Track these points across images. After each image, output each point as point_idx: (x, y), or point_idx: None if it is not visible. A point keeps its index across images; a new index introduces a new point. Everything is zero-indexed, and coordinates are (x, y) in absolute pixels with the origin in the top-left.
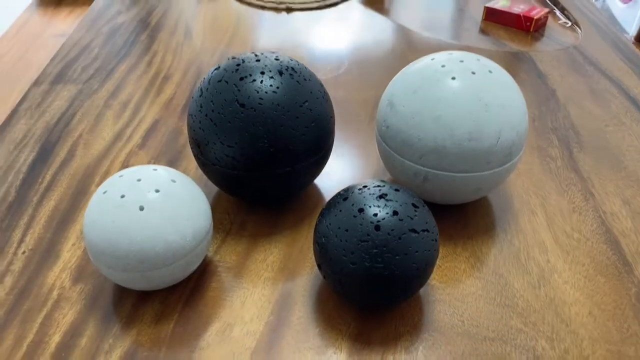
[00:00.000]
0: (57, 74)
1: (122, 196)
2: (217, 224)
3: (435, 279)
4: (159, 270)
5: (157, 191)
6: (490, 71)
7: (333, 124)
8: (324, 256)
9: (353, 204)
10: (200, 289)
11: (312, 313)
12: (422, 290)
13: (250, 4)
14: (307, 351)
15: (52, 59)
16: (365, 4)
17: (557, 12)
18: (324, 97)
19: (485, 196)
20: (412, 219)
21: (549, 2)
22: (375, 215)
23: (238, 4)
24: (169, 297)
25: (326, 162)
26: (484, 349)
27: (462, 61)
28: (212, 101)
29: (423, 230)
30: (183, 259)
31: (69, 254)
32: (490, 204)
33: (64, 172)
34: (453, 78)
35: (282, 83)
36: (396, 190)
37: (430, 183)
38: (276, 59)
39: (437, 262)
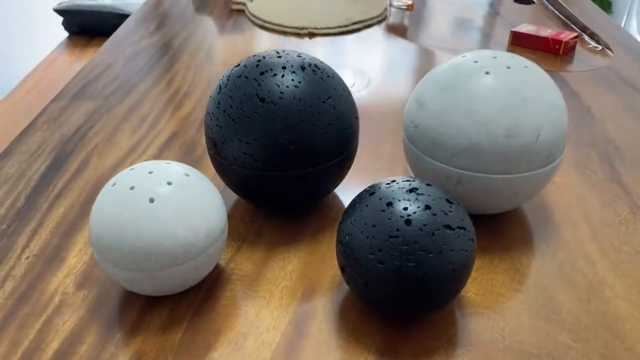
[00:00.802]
0: (77, 91)
1: (132, 188)
2: (233, 232)
3: (470, 292)
4: (167, 271)
5: (169, 184)
6: (526, 66)
7: (357, 125)
8: (348, 256)
9: (380, 198)
10: (212, 297)
11: (334, 324)
12: (455, 303)
13: (272, 30)
14: None
15: (73, 78)
16: (388, 30)
17: (586, 37)
18: (348, 97)
19: (520, 206)
20: (446, 214)
21: (576, 27)
22: (406, 209)
23: (260, 30)
24: (177, 305)
25: (349, 167)
26: None
27: (495, 57)
28: (230, 97)
29: (459, 228)
30: (194, 260)
31: (74, 260)
32: (525, 215)
33: (76, 181)
34: (487, 73)
35: (304, 78)
36: (427, 185)
37: (464, 187)
38: (298, 56)
39: (472, 273)
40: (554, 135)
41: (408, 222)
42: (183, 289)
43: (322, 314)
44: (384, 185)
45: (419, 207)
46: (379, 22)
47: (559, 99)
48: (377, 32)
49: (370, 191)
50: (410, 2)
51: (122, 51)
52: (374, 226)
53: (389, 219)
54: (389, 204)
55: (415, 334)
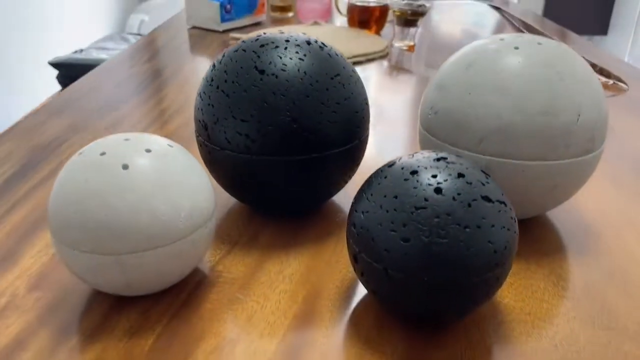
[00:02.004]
0: (57, 107)
1: (102, 154)
2: (223, 235)
3: (507, 297)
4: (141, 255)
5: (147, 151)
6: (558, 44)
7: (368, 112)
8: (364, 239)
9: (403, 168)
10: (195, 300)
11: (345, 331)
12: (489, 309)
13: None
14: None
15: (55, 96)
16: (390, 68)
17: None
18: (358, 80)
19: (552, 213)
20: (483, 185)
21: None
22: (435, 176)
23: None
24: (151, 309)
25: (358, 162)
26: None
27: (522, 37)
28: (225, 71)
29: (499, 202)
30: (174, 245)
31: (30, 261)
32: (559, 221)
33: (43, 187)
34: (516, 48)
35: (309, 52)
36: (458, 156)
37: (494, 178)
38: (303, 34)
39: (508, 278)
40: (595, 117)
41: (438, 190)
42: (159, 287)
43: (328, 320)
44: (405, 157)
45: (450, 174)
46: (381, 58)
47: (596, 80)
48: (379, 66)
49: (389, 164)
50: (411, 44)
51: (111, 76)
52: (395, 197)
53: (415, 187)
54: (414, 172)
55: (445, 342)
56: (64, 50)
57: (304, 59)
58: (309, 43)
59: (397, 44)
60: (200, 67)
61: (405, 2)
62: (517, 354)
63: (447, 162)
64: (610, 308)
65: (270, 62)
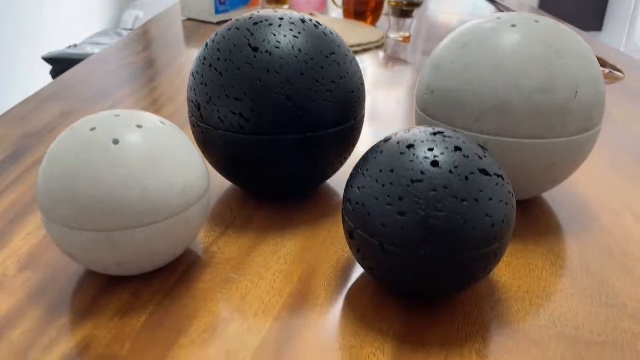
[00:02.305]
0: (49, 95)
1: (92, 129)
2: (216, 218)
3: (504, 276)
4: (132, 232)
5: (138, 126)
6: (555, 22)
7: (364, 92)
8: (359, 214)
9: (399, 142)
10: (188, 280)
11: (341, 310)
12: (486, 288)
13: None
14: (335, 352)
15: (48, 85)
16: (386, 58)
17: None
18: (353, 60)
19: (549, 194)
20: (480, 158)
21: None
22: (431, 149)
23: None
24: (143, 289)
25: (353, 144)
26: (592, 355)
27: (519, 15)
28: (218, 49)
29: (497, 175)
30: (166, 221)
31: (20, 242)
32: (556, 203)
33: (34, 171)
34: (513, 25)
35: (304, 29)
36: (454, 131)
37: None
38: (297, 13)
39: (504, 257)
40: (593, 94)
41: (435, 163)
42: (150, 266)
43: (323, 299)
44: (401, 132)
45: (446, 147)
46: (377, 48)
47: (593, 58)
48: (374, 56)
49: (385, 139)
50: (406, 35)
51: (104, 66)
52: (391, 171)
53: (411, 161)
54: (410, 146)
55: (442, 319)
56: (58, 46)
57: (298, 37)
58: (303, 21)
59: (393, 35)
60: (194, 57)
61: None
62: (515, 330)
63: (444, 136)
64: (608, 285)
65: (264, 40)
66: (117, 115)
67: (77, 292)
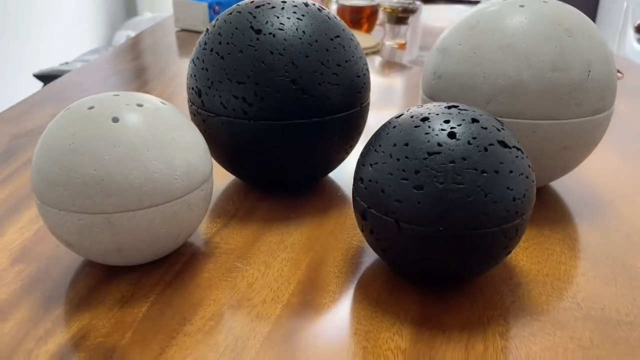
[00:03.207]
0: (41, 99)
1: (91, 107)
2: (219, 210)
3: (522, 261)
4: (132, 215)
5: (139, 105)
6: (563, 3)
7: (369, 78)
8: (373, 192)
9: (412, 116)
10: (191, 270)
11: (354, 296)
12: (504, 272)
13: None
14: (350, 337)
15: (39, 90)
16: (382, 64)
17: None
18: (358, 45)
19: (563, 180)
20: (499, 130)
21: None
22: (447, 122)
23: None
24: (144, 279)
25: (360, 130)
26: (621, 336)
27: None
28: (219, 33)
29: (516, 148)
30: (168, 205)
31: (13, 236)
32: (569, 190)
33: (25, 170)
34: (521, 6)
35: (308, 13)
36: (470, 105)
37: None
38: None
39: (521, 243)
40: (606, 75)
41: (452, 135)
42: (152, 254)
43: (335, 285)
44: (413, 108)
45: (463, 119)
46: (373, 54)
47: (603, 38)
48: (370, 62)
49: (397, 115)
50: (402, 42)
51: (96, 73)
52: (406, 145)
53: (427, 133)
54: (425, 119)
55: (459, 302)
56: (51, 64)
57: (302, 19)
58: (306, 5)
59: (388, 42)
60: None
61: (395, 1)
62: (539, 312)
63: (460, 110)
64: (631, 268)
65: (267, 22)
66: (116, 95)
67: (73, 284)
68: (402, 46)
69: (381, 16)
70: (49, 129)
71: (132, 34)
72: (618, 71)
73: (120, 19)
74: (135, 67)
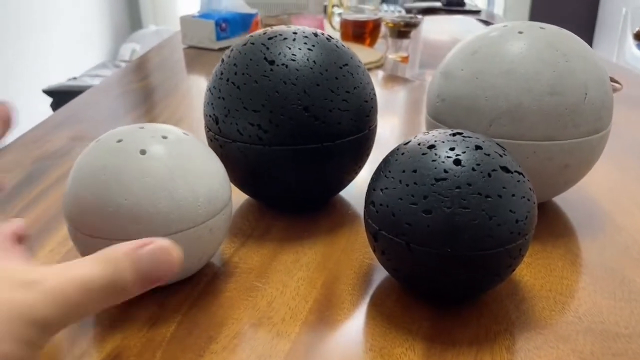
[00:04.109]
0: (59, 122)
1: (119, 140)
2: (235, 230)
3: (526, 276)
4: None
5: (164, 137)
6: (559, 28)
7: (376, 102)
8: (384, 216)
9: (420, 144)
10: (213, 290)
11: (368, 312)
12: (509, 288)
13: None
14: (365, 353)
15: (55, 113)
16: (385, 78)
17: None
18: (365, 71)
19: (562, 197)
20: (501, 156)
21: None
22: (453, 149)
23: None
24: (169, 300)
25: (367, 153)
26: (620, 348)
27: (524, 23)
28: (235, 64)
29: (517, 172)
30: (193, 230)
31: (44, 259)
32: (569, 205)
33: (51, 192)
34: (520, 32)
35: (317, 43)
36: (472, 132)
37: None
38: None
39: (525, 258)
40: (602, 96)
41: (457, 162)
42: (177, 277)
43: (349, 302)
44: (420, 135)
45: (467, 147)
46: (376, 68)
47: (600, 61)
48: (374, 76)
49: (405, 142)
50: (405, 55)
51: (108, 94)
52: (414, 171)
53: (433, 160)
54: (431, 147)
55: (468, 318)
56: (56, 79)
57: (313, 49)
58: (316, 35)
59: (391, 56)
60: (198, 82)
61: (397, 15)
62: (543, 326)
63: (464, 137)
64: (629, 282)
65: (280, 53)
66: (141, 128)
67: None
68: (405, 59)
69: (383, 30)
70: (81, 161)
71: (137, 47)
72: (616, 82)
73: (125, 32)
74: (145, 87)
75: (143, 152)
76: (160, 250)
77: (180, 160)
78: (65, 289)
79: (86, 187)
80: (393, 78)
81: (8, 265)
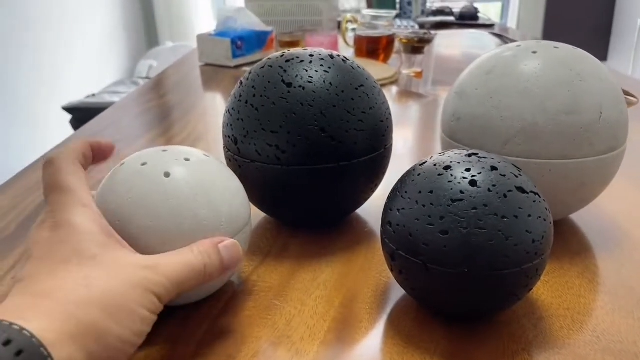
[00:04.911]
0: None
1: (144, 164)
2: (254, 247)
3: (543, 295)
4: None
5: (186, 160)
6: (574, 48)
7: (391, 121)
8: (401, 236)
9: (436, 165)
10: (232, 308)
11: (385, 332)
12: (527, 307)
13: None
14: None
15: (77, 132)
16: (399, 93)
17: None
18: (380, 91)
19: (578, 214)
20: (516, 177)
21: None
22: (468, 170)
23: None
24: (190, 318)
25: (384, 171)
26: None
27: (538, 42)
28: (253, 87)
29: (533, 193)
30: None
31: None
32: (585, 222)
33: None
34: (534, 52)
35: (333, 65)
36: (488, 152)
37: None
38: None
39: (542, 277)
40: (617, 115)
41: (473, 182)
42: (198, 295)
43: (367, 322)
44: (436, 155)
45: (483, 168)
46: (390, 84)
47: (614, 80)
48: (388, 92)
49: (421, 162)
50: (419, 70)
51: (127, 113)
52: (431, 192)
53: (450, 181)
54: (447, 168)
55: (485, 337)
56: (75, 97)
57: (329, 71)
58: (332, 57)
59: (405, 71)
60: (215, 100)
61: (410, 30)
62: (561, 346)
63: (479, 157)
64: None
65: (297, 75)
66: (164, 151)
67: None
68: (419, 75)
69: (397, 45)
70: (107, 184)
71: (155, 63)
72: (632, 95)
73: (142, 49)
74: (164, 104)
75: (167, 174)
76: (232, 245)
77: (203, 182)
78: (176, 270)
79: (112, 210)
80: (407, 93)
81: (127, 253)
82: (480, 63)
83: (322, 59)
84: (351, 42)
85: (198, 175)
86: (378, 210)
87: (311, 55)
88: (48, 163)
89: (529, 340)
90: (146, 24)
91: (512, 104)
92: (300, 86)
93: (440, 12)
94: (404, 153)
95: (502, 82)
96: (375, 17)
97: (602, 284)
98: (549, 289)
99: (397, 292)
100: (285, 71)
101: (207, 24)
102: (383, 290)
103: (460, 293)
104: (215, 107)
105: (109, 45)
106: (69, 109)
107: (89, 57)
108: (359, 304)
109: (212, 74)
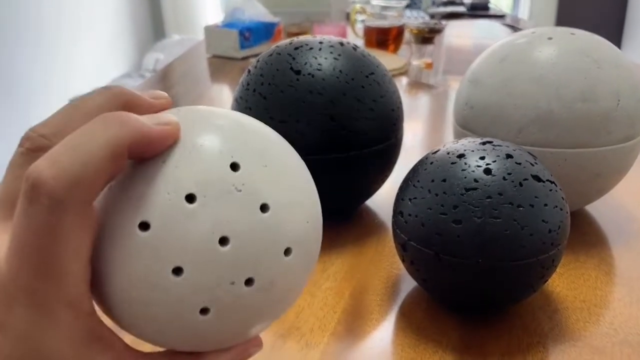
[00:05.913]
0: None
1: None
2: None
3: (558, 287)
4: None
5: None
6: (591, 34)
7: (402, 111)
8: (413, 225)
9: (449, 153)
10: None
11: (396, 323)
12: (541, 299)
13: None
14: None
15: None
16: (410, 84)
17: None
18: (391, 79)
19: (593, 205)
20: (532, 165)
21: None
22: (483, 158)
23: None
24: None
25: (394, 161)
26: None
27: (554, 29)
28: (261, 75)
29: (549, 181)
30: None
31: None
32: (601, 213)
33: None
34: (549, 38)
35: (343, 52)
36: (502, 140)
37: None
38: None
39: (558, 269)
40: (635, 103)
41: (487, 171)
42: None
43: (378, 313)
44: (449, 144)
45: (498, 155)
46: (400, 75)
47: (632, 67)
48: (398, 83)
49: (433, 151)
50: (429, 61)
51: None
52: (444, 181)
53: (463, 170)
54: (461, 156)
55: (499, 329)
56: (83, 90)
57: (339, 59)
58: (342, 44)
59: (415, 62)
60: (223, 91)
61: (420, 21)
62: (577, 339)
63: (494, 145)
64: None
65: (306, 63)
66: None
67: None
68: (429, 65)
69: (407, 36)
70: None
71: (161, 56)
72: None
73: (148, 42)
74: (171, 97)
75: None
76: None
77: None
78: None
79: None
80: (417, 84)
81: None
82: (494, 50)
83: (332, 46)
84: (360, 33)
85: None
86: (388, 202)
87: (320, 43)
88: (42, 189)
89: (544, 332)
90: (153, 17)
91: (526, 91)
92: (309, 74)
93: (451, 2)
94: (413, 145)
95: (517, 69)
96: (384, 8)
97: (619, 276)
98: (564, 281)
99: (408, 284)
100: (294, 58)
101: (213, 16)
102: (394, 282)
103: (473, 284)
104: (222, 99)
105: (115, 39)
106: None
107: (97, 51)
108: (370, 295)
109: (219, 65)
